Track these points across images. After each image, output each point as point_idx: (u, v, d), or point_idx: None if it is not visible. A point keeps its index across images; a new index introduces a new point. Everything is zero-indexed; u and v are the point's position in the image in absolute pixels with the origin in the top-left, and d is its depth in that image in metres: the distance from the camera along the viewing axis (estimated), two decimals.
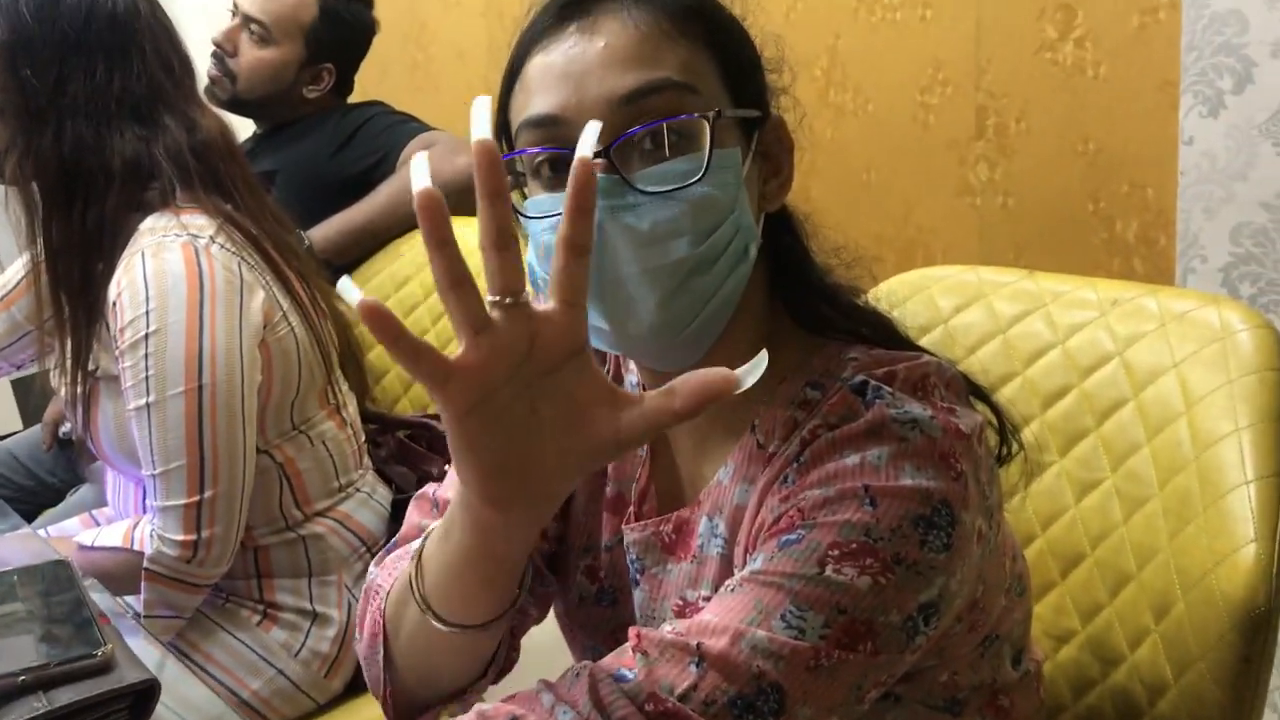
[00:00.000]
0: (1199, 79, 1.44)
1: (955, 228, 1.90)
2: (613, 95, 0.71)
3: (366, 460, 1.49)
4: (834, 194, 2.00)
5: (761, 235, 0.78)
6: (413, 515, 0.92)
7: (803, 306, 0.82)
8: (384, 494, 1.48)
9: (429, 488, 0.94)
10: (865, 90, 1.94)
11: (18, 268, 1.53)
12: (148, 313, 1.24)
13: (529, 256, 0.78)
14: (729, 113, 0.74)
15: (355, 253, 1.82)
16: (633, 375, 0.89)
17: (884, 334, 0.82)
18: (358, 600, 1.39)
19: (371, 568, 0.90)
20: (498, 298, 0.60)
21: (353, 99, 2.11)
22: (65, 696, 0.78)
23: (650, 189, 0.71)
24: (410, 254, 1.76)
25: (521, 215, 0.76)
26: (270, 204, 1.41)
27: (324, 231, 1.81)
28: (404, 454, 1.58)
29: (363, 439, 1.48)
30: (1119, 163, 1.66)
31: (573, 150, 0.70)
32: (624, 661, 0.67)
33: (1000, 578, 0.80)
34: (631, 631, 0.69)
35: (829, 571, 0.67)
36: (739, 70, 0.77)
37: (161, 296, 1.24)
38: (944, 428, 0.72)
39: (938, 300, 1.16)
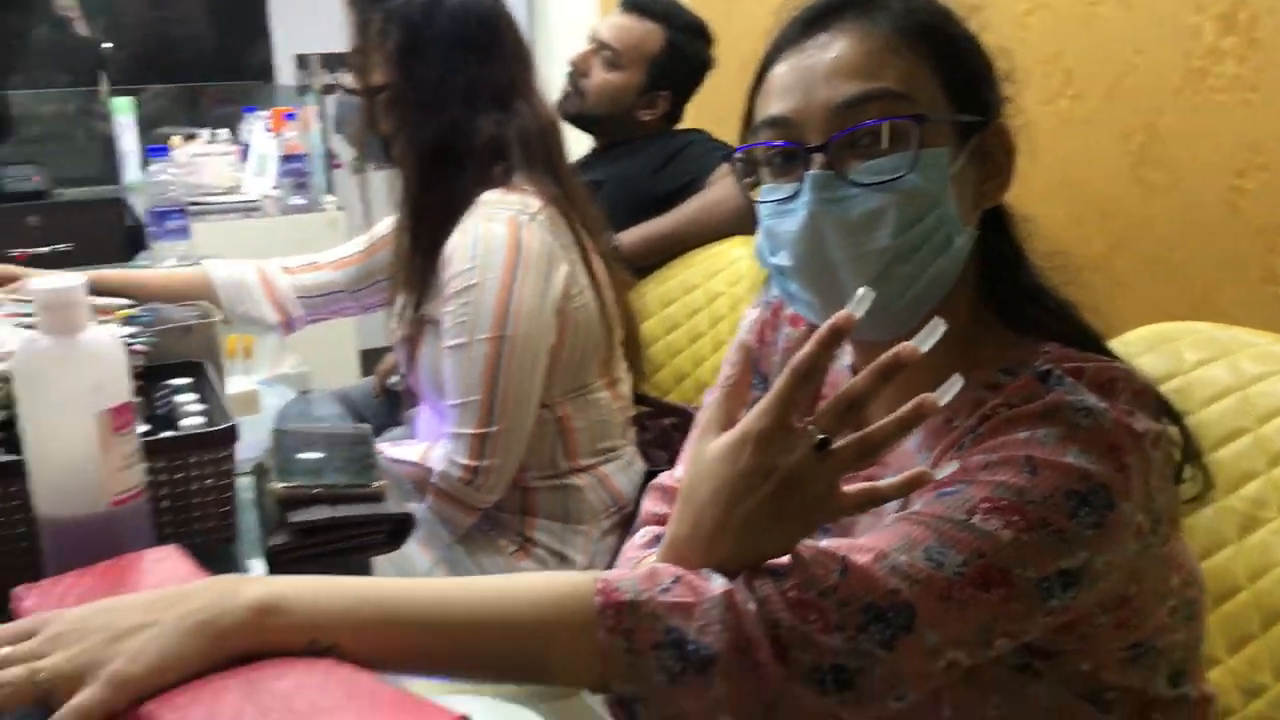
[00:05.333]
0: None
1: (1256, 317, 1.83)
2: (832, 102, 0.83)
3: (631, 433, 1.66)
4: (1136, 271, 1.99)
5: (979, 230, 0.87)
6: (647, 504, 1.05)
7: (1009, 304, 0.89)
8: (640, 466, 1.64)
9: (663, 476, 1.07)
10: (1179, 169, 1.92)
11: (387, 224, 1.77)
12: (472, 269, 1.45)
13: (758, 240, 0.91)
14: (936, 116, 0.83)
15: (657, 257, 2.01)
16: (846, 357, 0.99)
17: (1088, 338, 0.88)
18: (601, 554, 1.56)
19: (624, 550, 1.02)
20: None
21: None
22: (344, 510, 1.00)
23: (862, 181, 0.82)
24: (702, 263, 1.92)
25: (756, 202, 0.90)
26: (582, 189, 1.59)
27: (631, 236, 2.00)
28: (665, 440, 1.74)
29: (631, 414, 1.65)
30: None
31: (799, 146, 0.83)
32: (779, 562, 0.76)
33: (1162, 589, 0.83)
34: None
35: (976, 520, 0.74)
36: (963, 81, 0.86)
37: (485, 256, 1.44)
38: (1116, 421, 0.77)
39: (1183, 353, 1.17)
